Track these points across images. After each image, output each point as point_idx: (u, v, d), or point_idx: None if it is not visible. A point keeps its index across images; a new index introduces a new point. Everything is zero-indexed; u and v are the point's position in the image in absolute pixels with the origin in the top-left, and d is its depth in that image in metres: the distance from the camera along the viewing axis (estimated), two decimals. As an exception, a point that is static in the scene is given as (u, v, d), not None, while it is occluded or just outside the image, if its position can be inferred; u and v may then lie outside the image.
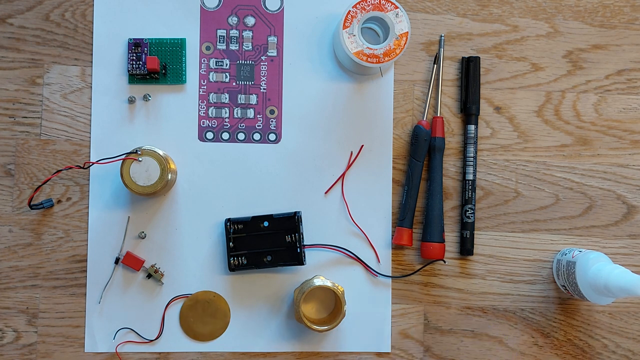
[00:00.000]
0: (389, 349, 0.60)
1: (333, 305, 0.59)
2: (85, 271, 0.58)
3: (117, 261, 0.58)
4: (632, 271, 0.52)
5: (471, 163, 0.60)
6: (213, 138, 0.60)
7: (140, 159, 0.55)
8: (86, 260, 0.59)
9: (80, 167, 0.57)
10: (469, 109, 0.61)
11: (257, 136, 0.60)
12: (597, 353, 0.61)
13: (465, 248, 0.60)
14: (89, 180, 0.59)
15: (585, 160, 0.62)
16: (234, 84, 0.60)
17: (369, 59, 0.56)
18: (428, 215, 0.60)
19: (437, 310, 0.61)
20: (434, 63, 0.61)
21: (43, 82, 0.59)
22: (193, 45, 0.60)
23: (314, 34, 0.61)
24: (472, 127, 0.61)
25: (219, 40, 0.60)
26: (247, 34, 0.60)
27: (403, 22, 0.56)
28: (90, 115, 0.59)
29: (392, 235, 0.60)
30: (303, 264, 0.58)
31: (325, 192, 0.60)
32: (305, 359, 0.59)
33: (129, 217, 0.59)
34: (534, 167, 0.62)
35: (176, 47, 0.59)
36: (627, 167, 0.62)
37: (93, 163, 0.57)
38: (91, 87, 0.59)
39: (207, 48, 0.60)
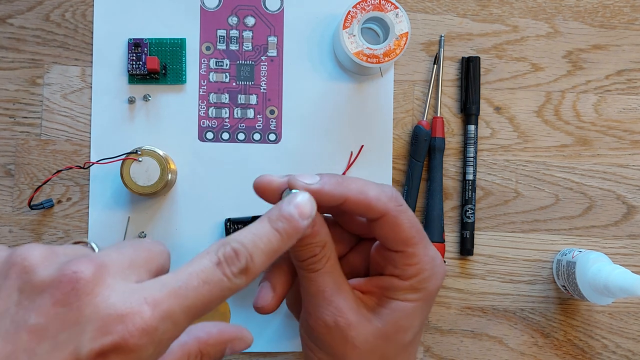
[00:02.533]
0: (389, 349, 0.60)
1: (333, 305, 0.59)
2: (85, 271, 0.58)
3: (117, 261, 0.58)
4: (632, 271, 0.52)
5: (471, 163, 0.60)
6: (213, 138, 0.60)
7: (140, 159, 0.55)
8: (86, 260, 0.58)
9: (81, 167, 0.57)
10: (469, 109, 0.61)
11: (257, 136, 0.60)
12: (597, 353, 0.61)
13: (465, 248, 0.61)
14: (89, 180, 0.59)
15: (585, 160, 0.62)
16: (234, 84, 0.60)
17: (369, 59, 0.56)
18: (428, 215, 0.60)
19: (437, 310, 0.61)
20: (434, 63, 0.61)
21: (43, 82, 0.59)
22: (193, 45, 0.60)
23: (314, 34, 0.61)
24: (472, 127, 0.61)
25: (219, 41, 0.60)
26: (247, 34, 0.60)
27: (403, 22, 0.56)
28: (90, 115, 0.59)
29: (392, 235, 0.60)
30: (303, 264, 0.58)
31: (325, 192, 0.60)
32: (305, 359, 0.59)
33: (129, 217, 0.59)
34: (534, 167, 0.62)
35: (176, 47, 0.59)
36: (627, 167, 0.62)
37: (93, 163, 0.57)
38: (91, 87, 0.59)
39: (207, 48, 0.60)
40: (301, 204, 0.40)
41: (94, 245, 0.37)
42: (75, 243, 0.38)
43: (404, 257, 0.44)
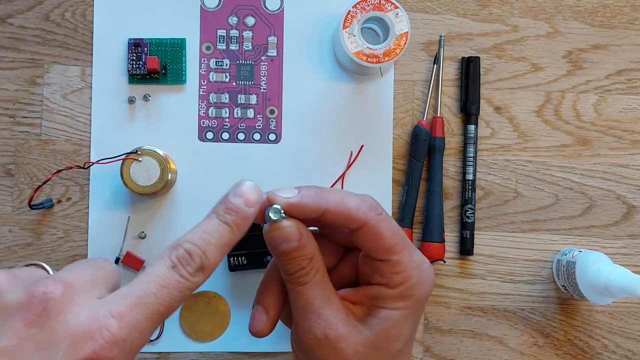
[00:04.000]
0: (389, 349, 0.60)
1: (333, 305, 0.59)
2: (85, 271, 0.58)
3: (117, 261, 0.58)
4: (632, 271, 0.52)
5: (471, 163, 0.60)
6: (213, 138, 0.60)
7: (140, 159, 0.55)
8: (86, 260, 0.59)
9: (80, 167, 0.57)
10: (469, 109, 0.61)
11: (257, 136, 0.60)
12: (597, 353, 0.61)
13: (465, 248, 0.61)
14: (89, 180, 0.59)
15: (585, 160, 0.62)
16: (234, 84, 0.60)
17: (369, 59, 0.56)
18: (428, 215, 0.60)
19: (437, 310, 0.61)
20: (434, 63, 0.61)
21: (43, 82, 0.59)
22: (193, 45, 0.60)
23: (314, 34, 0.61)
24: (472, 127, 0.61)
25: (219, 40, 0.60)
26: (247, 34, 0.60)
27: (403, 22, 0.56)
28: (90, 115, 0.59)
29: (392, 235, 0.60)
30: (303, 264, 0.58)
31: (325, 192, 0.60)
32: (305, 359, 0.59)
33: (129, 217, 0.59)
34: (534, 167, 0.62)
35: (176, 47, 0.59)
36: (627, 167, 0.62)
37: (93, 163, 0.57)
38: (91, 87, 0.59)
39: (207, 48, 0.60)
40: (246, 192, 0.40)
41: (47, 267, 0.38)
42: (28, 265, 0.38)
43: (389, 266, 0.44)
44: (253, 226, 0.58)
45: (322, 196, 0.43)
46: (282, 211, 0.42)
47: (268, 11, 0.60)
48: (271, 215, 0.42)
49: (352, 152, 0.61)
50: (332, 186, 0.60)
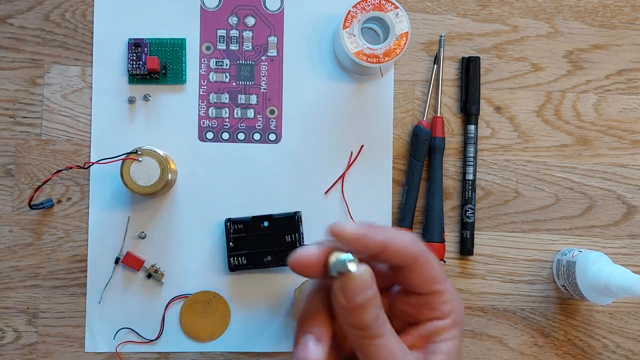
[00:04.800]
0: (389, 349, 0.60)
1: (333, 305, 0.59)
2: (86, 271, 0.58)
3: (117, 261, 0.58)
4: (633, 271, 0.52)
5: (471, 163, 0.60)
6: (213, 138, 0.60)
7: (140, 159, 0.55)
8: (86, 260, 0.59)
9: (81, 167, 0.57)
10: (469, 109, 0.61)
11: (257, 136, 0.60)
12: (597, 353, 0.61)
13: (465, 248, 0.60)
14: (89, 180, 0.59)
15: (585, 160, 0.62)
16: (234, 84, 0.60)
17: (369, 59, 0.56)
18: (428, 215, 0.60)
19: (437, 310, 0.61)
20: (434, 63, 0.61)
21: (43, 82, 0.59)
22: (193, 45, 0.60)
23: (314, 34, 0.61)
24: (472, 127, 0.61)
25: (219, 40, 0.60)
26: (247, 34, 0.60)
27: (403, 22, 0.56)
28: (91, 115, 0.59)
29: (392, 235, 0.60)
30: (303, 264, 0.58)
31: (325, 192, 0.60)
32: (305, 359, 0.59)
33: (129, 217, 0.59)
34: (534, 167, 0.62)
35: (176, 47, 0.59)
36: (627, 167, 0.62)
37: (93, 163, 0.57)
38: (91, 87, 0.59)
39: (207, 48, 0.60)
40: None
41: None
42: None
43: (438, 296, 0.41)
44: (252, 225, 0.58)
45: (382, 231, 0.38)
46: (356, 259, 0.36)
47: (268, 11, 0.60)
48: (349, 266, 0.36)
49: (352, 152, 0.61)
50: (331, 186, 0.60)
